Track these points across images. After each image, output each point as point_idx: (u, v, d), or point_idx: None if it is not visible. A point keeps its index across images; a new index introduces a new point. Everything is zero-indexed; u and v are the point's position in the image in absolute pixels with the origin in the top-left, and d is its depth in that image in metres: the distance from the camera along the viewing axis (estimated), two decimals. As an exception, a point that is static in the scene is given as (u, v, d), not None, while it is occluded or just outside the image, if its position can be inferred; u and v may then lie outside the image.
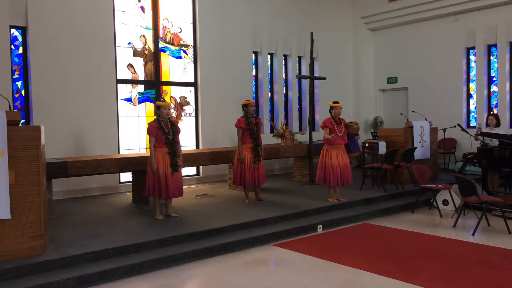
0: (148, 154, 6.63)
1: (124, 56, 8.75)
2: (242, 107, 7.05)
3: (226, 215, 6.16)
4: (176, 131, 6.05)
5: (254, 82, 10.82)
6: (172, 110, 9.41)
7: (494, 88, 10.73)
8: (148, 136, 5.98)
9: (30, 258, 4.32)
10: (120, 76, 8.66)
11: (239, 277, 4.54)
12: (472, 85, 11.09)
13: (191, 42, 9.70)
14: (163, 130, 5.88)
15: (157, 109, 5.99)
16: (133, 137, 8.89)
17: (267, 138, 9.81)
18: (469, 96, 11.15)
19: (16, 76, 7.62)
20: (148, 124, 6.02)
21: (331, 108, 7.02)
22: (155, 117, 6.12)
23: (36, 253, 4.40)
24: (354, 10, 12.75)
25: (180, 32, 9.55)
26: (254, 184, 7.00)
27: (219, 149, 8.44)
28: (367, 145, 9.34)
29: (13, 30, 7.58)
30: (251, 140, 6.93)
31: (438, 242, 5.68)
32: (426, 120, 9.61)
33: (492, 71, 10.78)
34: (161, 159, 5.88)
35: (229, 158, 7.92)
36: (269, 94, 11.15)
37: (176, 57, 9.52)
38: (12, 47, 7.56)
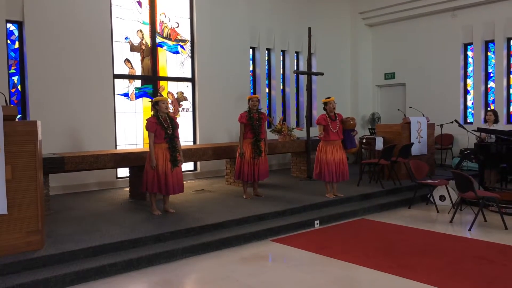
0: (146, 150, 6.63)
1: (121, 51, 8.71)
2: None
3: (223, 211, 6.16)
4: (175, 126, 6.01)
5: (251, 78, 10.80)
6: (170, 106, 9.39)
7: (491, 84, 10.75)
8: (147, 132, 5.92)
9: (27, 253, 4.31)
10: (117, 71, 8.62)
11: (236, 272, 4.55)
12: (469, 81, 11.10)
13: (188, 37, 9.66)
14: (162, 125, 5.83)
15: (156, 104, 5.92)
16: (130, 132, 8.88)
17: (264, 134, 9.81)
18: (466, 92, 11.16)
19: (12, 71, 7.58)
20: (146, 120, 5.95)
21: (325, 104, 7.03)
22: (152, 113, 6.08)
23: (33, 249, 4.40)
24: (352, 6, 12.73)
25: (177, 27, 9.51)
26: (253, 179, 7.01)
27: (219, 144, 8.43)
28: (364, 140, 9.35)
29: (9, 25, 7.53)
30: (252, 135, 6.93)
31: (435, 238, 5.70)
32: (423, 116, 9.63)
33: (489, 67, 10.79)
34: (161, 155, 5.84)
35: (227, 153, 7.92)
36: (267, 90, 11.13)
37: (174, 52, 9.49)
38: (8, 41, 7.52)
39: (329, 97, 7.09)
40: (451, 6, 10.92)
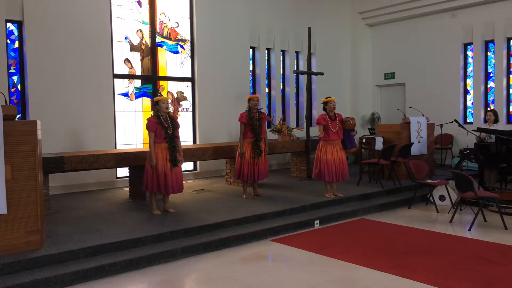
0: (146, 149, 6.63)
1: (121, 51, 8.71)
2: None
3: (223, 211, 6.16)
4: (176, 126, 6.01)
5: (251, 77, 10.80)
6: (170, 105, 9.39)
7: (491, 84, 10.75)
8: (147, 131, 5.93)
9: (26, 253, 4.31)
10: (116, 71, 8.62)
11: (236, 272, 4.55)
12: (469, 81, 11.10)
13: (188, 37, 9.66)
14: (162, 125, 5.84)
15: (156, 104, 5.93)
16: (130, 132, 8.87)
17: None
18: (466, 92, 11.16)
19: (12, 70, 7.58)
20: (147, 119, 5.96)
21: (325, 103, 7.03)
22: (152, 113, 6.08)
23: (33, 248, 4.39)
24: (352, 6, 12.72)
25: (177, 27, 9.51)
26: (253, 179, 7.00)
27: (219, 144, 8.43)
28: (364, 140, 9.35)
29: (9, 24, 7.52)
30: (252, 134, 6.93)
31: (434, 238, 5.70)
32: (423, 115, 9.63)
33: (489, 67, 10.79)
34: (161, 154, 5.84)
35: (227, 153, 7.92)
36: (267, 90, 11.13)
37: (173, 52, 9.48)
38: (8, 41, 7.51)
39: (329, 97, 7.09)
40: (451, 6, 10.92)
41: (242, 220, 5.81)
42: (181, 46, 9.59)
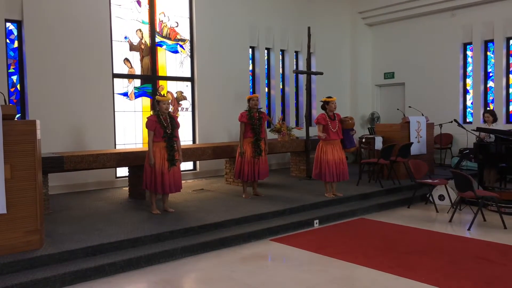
0: (145, 149, 6.63)
1: (120, 51, 8.70)
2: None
3: (222, 210, 6.16)
4: (175, 125, 6.03)
5: (251, 77, 10.80)
6: (170, 106, 9.38)
7: (490, 83, 10.75)
8: (146, 130, 5.95)
9: (26, 253, 4.31)
10: (116, 70, 8.61)
11: (235, 272, 4.55)
12: (469, 81, 11.11)
13: (187, 37, 9.65)
14: (161, 124, 5.85)
15: (157, 103, 5.96)
16: (130, 131, 8.87)
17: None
18: (465, 91, 11.17)
19: (11, 70, 7.57)
20: (147, 118, 5.99)
21: (326, 103, 7.03)
22: (152, 112, 6.09)
23: (32, 248, 4.39)
24: (352, 5, 12.72)
25: (176, 26, 9.50)
26: (253, 178, 7.00)
27: (219, 143, 8.43)
28: (363, 140, 9.35)
29: (8, 24, 7.52)
30: (252, 134, 6.93)
31: (434, 237, 5.70)
32: (422, 115, 9.63)
33: (488, 66, 10.79)
34: (159, 153, 5.85)
35: (226, 152, 7.91)
36: (266, 89, 11.13)
37: (173, 52, 9.48)
38: (8, 41, 7.51)
39: (330, 97, 7.09)
40: (451, 5, 10.92)
41: (242, 220, 5.81)
42: (181, 46, 9.59)
